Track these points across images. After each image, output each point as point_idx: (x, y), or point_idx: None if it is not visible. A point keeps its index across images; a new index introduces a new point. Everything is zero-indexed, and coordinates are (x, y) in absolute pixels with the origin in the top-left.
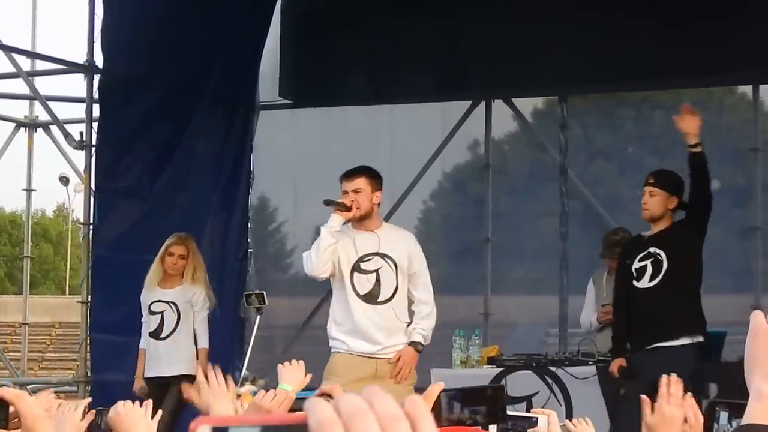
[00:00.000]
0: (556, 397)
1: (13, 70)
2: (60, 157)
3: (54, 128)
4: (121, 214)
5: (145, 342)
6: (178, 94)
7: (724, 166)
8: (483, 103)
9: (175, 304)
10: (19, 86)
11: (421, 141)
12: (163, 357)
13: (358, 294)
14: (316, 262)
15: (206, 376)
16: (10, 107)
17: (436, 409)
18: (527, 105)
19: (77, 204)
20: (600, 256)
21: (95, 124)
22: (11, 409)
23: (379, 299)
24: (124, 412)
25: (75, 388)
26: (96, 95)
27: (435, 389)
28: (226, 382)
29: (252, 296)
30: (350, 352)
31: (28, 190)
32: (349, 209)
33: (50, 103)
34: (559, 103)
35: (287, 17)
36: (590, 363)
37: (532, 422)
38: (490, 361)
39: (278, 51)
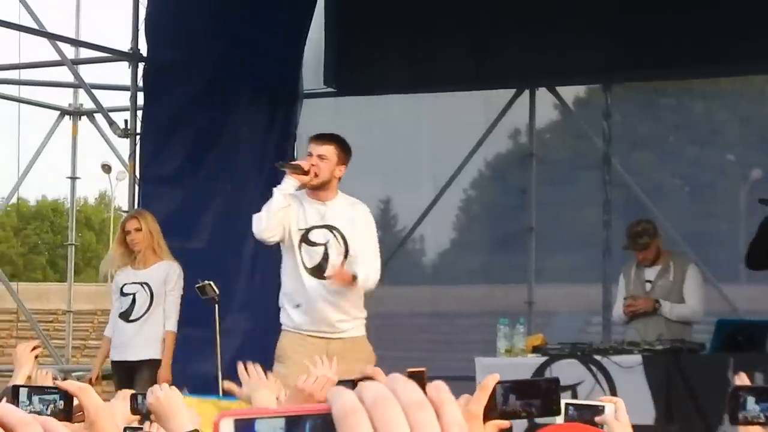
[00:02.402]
0: (600, 386)
1: (57, 58)
2: (102, 144)
3: (98, 116)
4: (163, 202)
5: (109, 329)
6: (221, 82)
7: (764, 155)
8: (526, 92)
9: (148, 285)
10: (63, 74)
11: (462, 130)
12: (131, 340)
13: (306, 267)
14: (266, 224)
15: (245, 369)
16: (54, 95)
17: (491, 400)
18: (569, 94)
19: (119, 192)
20: (623, 248)
21: (140, 112)
22: (75, 401)
23: (326, 274)
24: (162, 395)
25: None
26: (140, 83)
27: (491, 381)
28: (265, 374)
29: (205, 287)
30: (299, 331)
31: (73, 178)
32: (306, 173)
33: (95, 91)
34: (602, 91)
35: (331, 5)
36: (635, 352)
37: (599, 410)
38: (535, 349)
39: (323, 39)
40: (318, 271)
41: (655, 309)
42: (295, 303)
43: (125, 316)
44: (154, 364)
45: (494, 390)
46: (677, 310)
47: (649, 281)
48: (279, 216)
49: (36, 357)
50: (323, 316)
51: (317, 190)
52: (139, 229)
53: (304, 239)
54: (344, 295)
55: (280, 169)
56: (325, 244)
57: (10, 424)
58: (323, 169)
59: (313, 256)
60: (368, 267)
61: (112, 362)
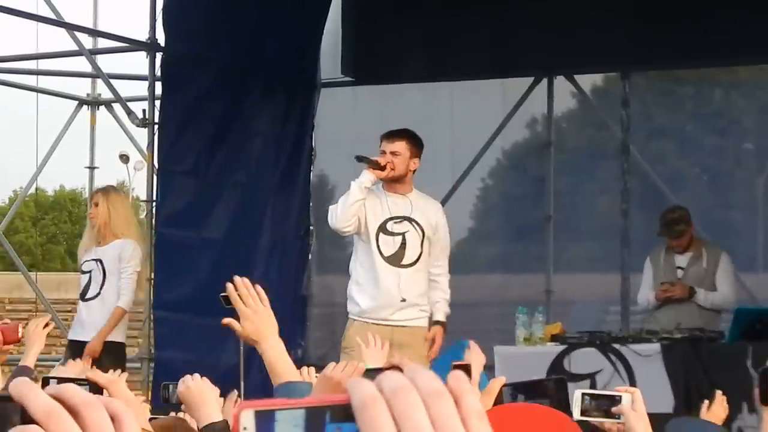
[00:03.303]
0: (619, 375)
1: (75, 48)
2: (120, 135)
3: (116, 106)
4: (182, 192)
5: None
6: (239, 72)
7: None
8: (544, 81)
9: (101, 261)
10: (81, 64)
11: (480, 119)
12: (86, 320)
13: (382, 255)
14: (341, 214)
15: (243, 301)
16: (72, 85)
17: (498, 403)
18: (587, 83)
19: (137, 182)
20: (658, 234)
21: (158, 102)
22: (104, 393)
23: (403, 262)
24: (194, 386)
25: (138, 365)
26: (158, 73)
27: (496, 384)
28: (260, 299)
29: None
30: (366, 321)
31: (91, 168)
32: (382, 168)
33: (113, 81)
34: (621, 80)
35: None
36: (654, 340)
37: (616, 400)
38: (554, 338)
39: (340, 29)
40: (395, 259)
41: (690, 296)
42: (367, 292)
43: (82, 294)
44: (113, 347)
45: (501, 392)
46: (711, 297)
47: (681, 268)
48: (354, 208)
49: (47, 334)
50: (392, 305)
51: (394, 183)
52: (97, 204)
53: (382, 229)
54: (415, 286)
55: (358, 162)
56: (403, 234)
57: (75, 404)
58: (398, 164)
59: (390, 245)
60: (446, 280)
61: (69, 341)
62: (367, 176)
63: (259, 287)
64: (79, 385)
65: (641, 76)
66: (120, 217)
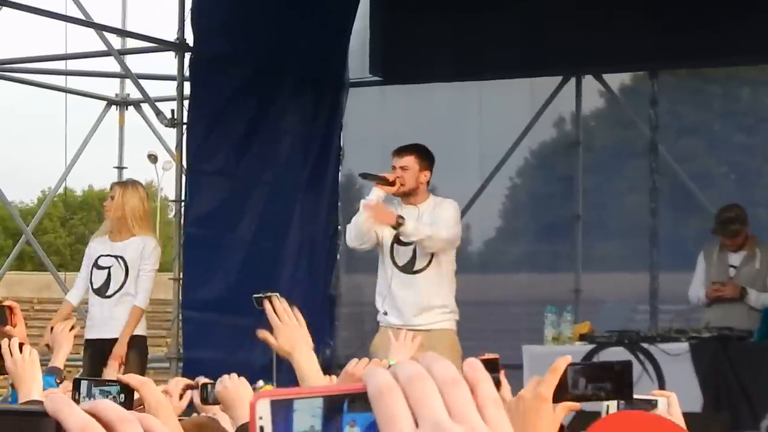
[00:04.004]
0: (648, 374)
1: (104, 48)
2: (148, 135)
3: (145, 106)
4: (211, 192)
5: (72, 296)
6: (267, 72)
7: None
8: (572, 80)
9: (123, 258)
10: (110, 64)
11: (509, 118)
12: (107, 317)
13: (397, 265)
14: (354, 234)
15: (276, 314)
16: (101, 85)
17: (562, 382)
18: (615, 82)
19: (166, 182)
20: (713, 232)
21: (186, 102)
22: (136, 395)
23: (415, 269)
24: (231, 386)
25: (167, 365)
26: (187, 73)
27: (562, 363)
28: (296, 317)
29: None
30: (390, 326)
31: (120, 168)
32: (392, 184)
33: (141, 81)
34: (649, 78)
35: None
36: (683, 340)
37: (652, 404)
38: (582, 337)
39: (368, 28)
40: (408, 267)
41: (741, 296)
42: (385, 302)
43: (100, 292)
44: (136, 341)
45: (565, 372)
46: (763, 298)
47: (734, 266)
48: (366, 225)
49: (75, 336)
50: (410, 311)
51: (407, 196)
52: (113, 198)
53: (396, 240)
54: (432, 290)
55: (364, 179)
56: (414, 243)
57: (110, 420)
58: (407, 178)
59: (404, 255)
60: (439, 226)
61: (87, 340)
62: (376, 193)
63: (296, 309)
64: (111, 386)
65: (669, 74)
66: (135, 211)
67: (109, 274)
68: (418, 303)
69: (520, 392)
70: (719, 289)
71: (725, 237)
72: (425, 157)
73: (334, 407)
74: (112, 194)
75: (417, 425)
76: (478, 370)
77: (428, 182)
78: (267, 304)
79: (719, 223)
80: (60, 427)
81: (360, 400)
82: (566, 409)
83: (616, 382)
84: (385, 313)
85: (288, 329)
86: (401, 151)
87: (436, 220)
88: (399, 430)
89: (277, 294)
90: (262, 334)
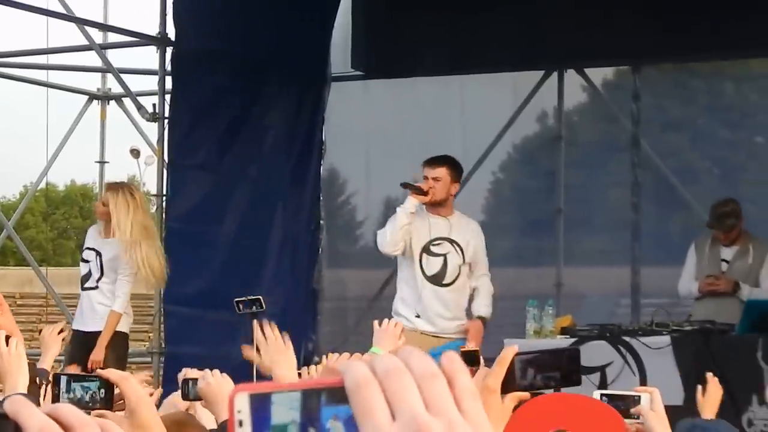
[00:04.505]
0: (630, 368)
1: (86, 42)
2: (130, 129)
3: (126, 100)
4: (193, 187)
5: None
6: (250, 67)
7: None
8: (555, 74)
9: (100, 255)
10: (91, 59)
11: (492, 112)
12: (86, 310)
13: (425, 275)
14: (390, 239)
15: (263, 334)
16: (83, 80)
17: (511, 373)
18: (598, 76)
19: (148, 176)
20: (708, 226)
21: (168, 97)
22: (116, 390)
23: (444, 281)
24: (214, 382)
25: (149, 359)
26: (168, 67)
27: (508, 354)
28: (283, 339)
29: (247, 302)
30: (415, 330)
31: (101, 162)
32: (425, 194)
33: (123, 76)
34: (632, 73)
35: None
36: (665, 333)
37: (635, 400)
38: (564, 331)
39: (350, 22)
40: (437, 278)
41: (734, 291)
42: (411, 308)
43: (82, 282)
44: (117, 337)
45: (513, 363)
46: (756, 294)
47: (726, 261)
48: (402, 233)
49: (63, 339)
50: (436, 319)
51: (437, 206)
52: (105, 204)
53: (426, 250)
54: (454, 303)
55: (403, 188)
56: (445, 255)
57: (70, 424)
58: (439, 189)
59: (433, 265)
60: (488, 287)
61: (73, 330)
62: (411, 202)
63: (285, 334)
64: (90, 381)
65: (652, 69)
66: (122, 217)
67: (89, 267)
68: (446, 313)
69: None
70: (713, 283)
71: (721, 231)
72: (456, 169)
73: (311, 400)
74: (103, 200)
75: (394, 418)
76: (455, 363)
77: (455, 195)
78: (256, 326)
79: (716, 217)
80: (19, 429)
81: (337, 394)
82: (515, 399)
83: (564, 369)
84: (417, 316)
85: (272, 350)
86: (434, 162)
87: (477, 260)
88: (376, 423)
89: (260, 298)
90: (247, 355)
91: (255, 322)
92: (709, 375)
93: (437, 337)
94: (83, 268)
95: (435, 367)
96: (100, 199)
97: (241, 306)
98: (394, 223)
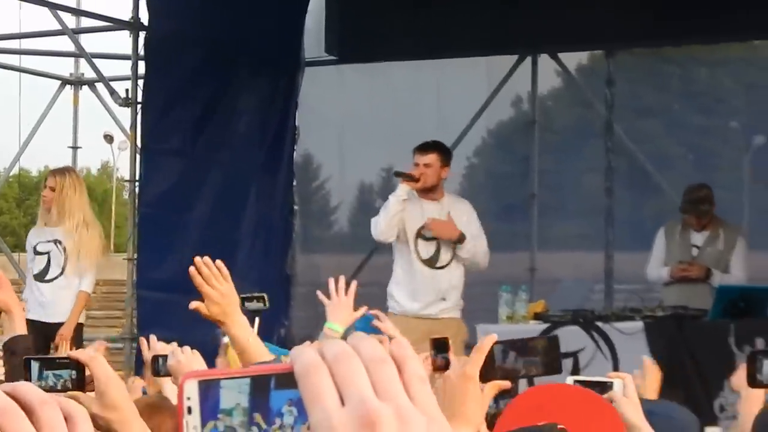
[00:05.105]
0: (602, 353)
1: (58, 27)
2: (104, 115)
3: (99, 86)
4: (166, 172)
5: (28, 291)
6: (223, 51)
7: None
8: (529, 59)
9: (61, 242)
10: (64, 44)
11: (466, 97)
12: (48, 301)
13: (420, 258)
14: (384, 227)
15: (208, 283)
16: (55, 65)
17: (489, 360)
18: (572, 61)
19: (122, 162)
20: (681, 211)
21: (141, 82)
22: (87, 372)
23: (438, 264)
24: (184, 359)
25: (121, 345)
26: (141, 52)
27: (488, 341)
28: (222, 274)
29: (252, 300)
30: (405, 314)
31: (74, 148)
32: (417, 180)
33: (96, 61)
34: (605, 58)
35: None
36: (637, 318)
37: (607, 386)
38: (537, 316)
39: (323, 7)
40: (431, 261)
41: (707, 277)
42: (405, 291)
43: (41, 276)
44: (79, 328)
45: (492, 350)
46: (726, 280)
47: (696, 246)
48: (396, 219)
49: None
50: (431, 303)
51: (428, 191)
52: (53, 189)
53: (419, 234)
54: (450, 285)
55: (396, 177)
56: (438, 239)
57: (29, 402)
58: (430, 175)
59: (427, 249)
60: (479, 246)
61: (27, 320)
62: (403, 189)
63: (219, 263)
64: (61, 363)
65: (626, 54)
66: (75, 200)
67: (49, 258)
68: (438, 296)
69: (446, 372)
70: (686, 269)
71: (694, 216)
72: (446, 154)
73: (261, 386)
74: (50, 185)
75: (343, 403)
76: (404, 349)
77: (445, 179)
78: (193, 272)
79: (690, 202)
80: None
81: (287, 379)
82: (495, 387)
83: (543, 357)
84: (401, 301)
85: (220, 296)
86: (425, 149)
87: (472, 232)
88: (324, 407)
89: (264, 295)
90: (194, 305)
91: (192, 268)
92: (647, 359)
93: (429, 318)
94: (39, 262)
95: (384, 353)
96: (44, 185)
97: (245, 302)
98: (387, 211)
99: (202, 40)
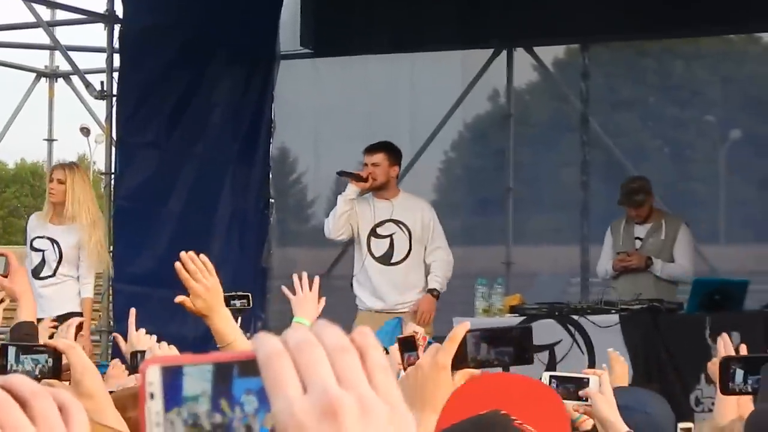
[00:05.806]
0: (578, 346)
1: (33, 20)
2: (80, 107)
3: (75, 78)
4: (142, 164)
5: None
6: (198, 44)
7: (745, 116)
8: (504, 53)
9: (57, 243)
10: (39, 36)
11: (441, 91)
12: (44, 297)
13: (374, 256)
14: (333, 226)
15: (193, 278)
16: (30, 57)
17: (462, 350)
18: (548, 55)
19: (98, 155)
20: (618, 203)
21: (116, 74)
22: (64, 360)
23: (392, 261)
24: (162, 354)
25: (98, 338)
26: (116, 45)
27: (460, 330)
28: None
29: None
30: (370, 310)
31: (50, 140)
32: (365, 180)
33: (71, 53)
34: (581, 52)
35: None
36: (613, 311)
37: (583, 383)
38: (513, 309)
39: (299, 1)
40: (385, 258)
41: (647, 266)
42: (363, 288)
43: (35, 273)
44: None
45: (465, 340)
46: (668, 269)
47: (639, 238)
48: (343, 219)
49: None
50: (389, 297)
51: (380, 190)
52: (62, 182)
53: (373, 233)
54: (406, 279)
55: (340, 177)
56: (390, 236)
57: (23, 394)
58: (378, 174)
59: (380, 247)
60: (444, 258)
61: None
62: (351, 189)
63: (203, 257)
64: (39, 351)
65: (602, 47)
66: (80, 199)
67: (43, 257)
68: (398, 289)
69: (418, 361)
70: (625, 259)
71: (630, 207)
72: (394, 153)
73: (224, 373)
74: (60, 178)
75: (305, 391)
76: (367, 337)
77: (397, 176)
78: (179, 267)
79: (624, 194)
80: None
81: (250, 366)
82: (466, 375)
83: (516, 347)
84: (363, 298)
85: (205, 291)
86: (372, 149)
87: (427, 236)
88: (287, 394)
89: (249, 295)
90: (180, 300)
91: (177, 263)
92: (613, 352)
93: (388, 313)
94: (34, 258)
95: (347, 341)
96: (50, 178)
97: (229, 302)
98: (335, 210)
99: (177, 32)
